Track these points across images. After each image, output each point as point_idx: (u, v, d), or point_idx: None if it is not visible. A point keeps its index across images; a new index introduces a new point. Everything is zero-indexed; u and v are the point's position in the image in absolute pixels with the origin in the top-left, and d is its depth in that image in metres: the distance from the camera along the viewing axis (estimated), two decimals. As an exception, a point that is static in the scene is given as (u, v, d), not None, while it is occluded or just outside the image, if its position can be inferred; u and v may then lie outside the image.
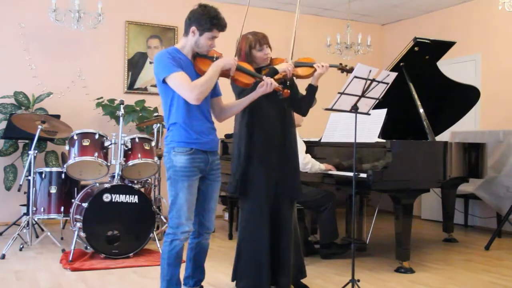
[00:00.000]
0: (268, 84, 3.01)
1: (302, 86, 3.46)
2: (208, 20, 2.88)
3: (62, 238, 5.21)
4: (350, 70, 3.27)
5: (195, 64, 2.98)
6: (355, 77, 3.17)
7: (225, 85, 3.20)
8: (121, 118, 4.68)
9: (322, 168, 4.33)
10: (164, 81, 2.87)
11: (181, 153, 2.92)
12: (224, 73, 2.99)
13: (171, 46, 3.10)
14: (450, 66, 6.26)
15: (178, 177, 2.92)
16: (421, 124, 4.64)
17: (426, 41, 4.61)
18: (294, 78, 3.34)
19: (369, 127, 4.20)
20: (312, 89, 3.35)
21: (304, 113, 3.51)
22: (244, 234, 3.32)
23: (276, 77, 3.13)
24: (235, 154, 3.32)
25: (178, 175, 2.92)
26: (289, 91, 3.07)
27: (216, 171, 3.11)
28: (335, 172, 4.32)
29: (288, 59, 3.27)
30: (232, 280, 3.44)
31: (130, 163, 4.68)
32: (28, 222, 4.71)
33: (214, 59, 2.98)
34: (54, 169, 4.95)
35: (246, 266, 3.27)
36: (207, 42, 2.94)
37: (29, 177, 4.83)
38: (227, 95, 3.29)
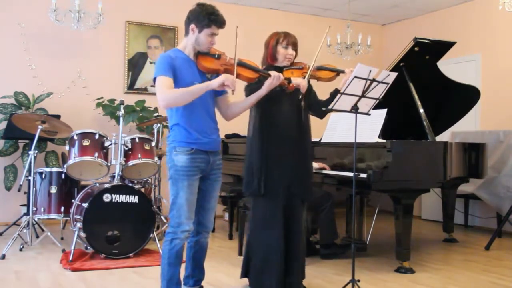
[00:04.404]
0: (275, 77, 3.03)
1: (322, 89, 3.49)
2: (206, 16, 2.94)
3: (62, 238, 5.21)
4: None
5: (198, 62, 3.01)
6: (355, 77, 3.16)
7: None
8: (121, 118, 4.69)
9: (315, 167, 4.33)
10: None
11: (182, 152, 2.94)
12: (228, 70, 3.01)
13: (171, 46, 3.12)
14: (450, 66, 6.26)
15: (178, 176, 2.94)
16: (421, 124, 4.63)
17: (426, 41, 4.60)
18: (315, 80, 3.38)
19: (369, 127, 4.19)
20: (337, 94, 3.35)
21: (321, 116, 3.53)
22: (257, 233, 3.33)
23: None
24: (250, 153, 3.33)
25: (178, 174, 2.94)
26: (294, 85, 3.10)
27: (217, 170, 3.13)
28: (335, 172, 4.32)
29: (311, 62, 3.30)
30: (241, 277, 3.47)
31: (130, 163, 4.68)
32: (28, 222, 4.71)
33: (216, 56, 3.02)
34: (54, 169, 4.95)
35: (260, 266, 3.28)
36: (207, 39, 2.97)
37: (29, 177, 4.83)
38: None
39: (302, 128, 3.33)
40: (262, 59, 3.42)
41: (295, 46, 3.34)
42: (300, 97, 3.25)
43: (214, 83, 2.86)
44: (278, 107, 3.25)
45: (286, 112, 3.28)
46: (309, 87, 3.37)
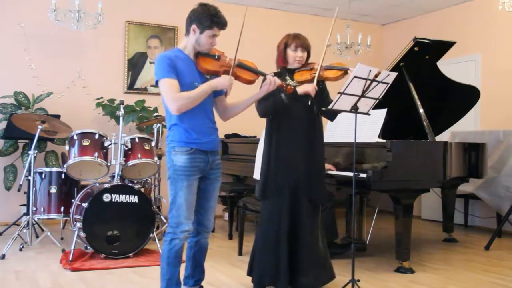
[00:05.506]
0: (271, 82, 3.04)
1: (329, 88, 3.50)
2: (208, 18, 2.92)
3: (62, 238, 5.21)
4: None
5: (197, 62, 3.01)
6: (355, 77, 3.16)
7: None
8: (121, 118, 4.68)
9: None
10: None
11: (181, 152, 2.94)
12: (227, 71, 3.01)
13: (171, 46, 3.12)
14: (450, 66, 6.26)
15: (177, 176, 2.94)
16: (421, 124, 4.63)
17: (426, 41, 4.60)
18: (325, 81, 3.39)
19: (369, 127, 4.20)
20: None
21: (331, 118, 3.55)
22: (262, 233, 3.37)
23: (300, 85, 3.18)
24: (263, 157, 3.40)
25: (177, 174, 2.94)
26: (292, 87, 3.11)
27: (216, 170, 3.12)
28: (335, 172, 4.32)
29: (318, 64, 3.30)
30: (248, 274, 3.49)
31: (130, 163, 4.68)
32: (28, 222, 4.71)
33: (216, 57, 3.02)
34: (54, 169, 4.95)
35: (263, 265, 3.30)
36: (207, 40, 2.96)
37: (29, 177, 4.83)
38: (233, 95, 3.29)
39: (313, 130, 3.35)
40: (276, 61, 3.46)
41: (305, 48, 3.35)
42: (310, 102, 3.25)
43: (220, 83, 2.93)
44: (288, 109, 3.28)
45: (296, 114, 3.30)
46: (323, 86, 3.38)
